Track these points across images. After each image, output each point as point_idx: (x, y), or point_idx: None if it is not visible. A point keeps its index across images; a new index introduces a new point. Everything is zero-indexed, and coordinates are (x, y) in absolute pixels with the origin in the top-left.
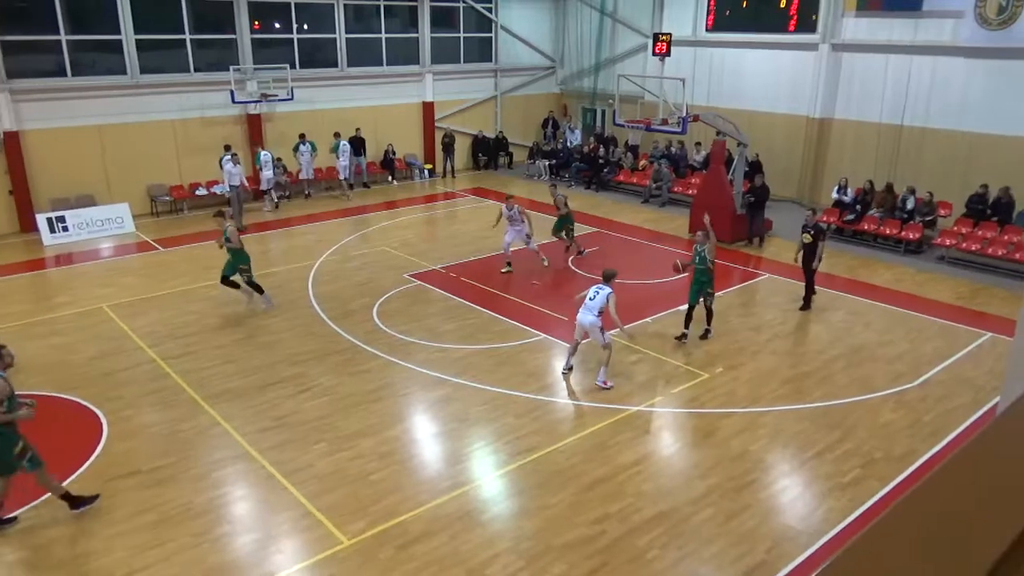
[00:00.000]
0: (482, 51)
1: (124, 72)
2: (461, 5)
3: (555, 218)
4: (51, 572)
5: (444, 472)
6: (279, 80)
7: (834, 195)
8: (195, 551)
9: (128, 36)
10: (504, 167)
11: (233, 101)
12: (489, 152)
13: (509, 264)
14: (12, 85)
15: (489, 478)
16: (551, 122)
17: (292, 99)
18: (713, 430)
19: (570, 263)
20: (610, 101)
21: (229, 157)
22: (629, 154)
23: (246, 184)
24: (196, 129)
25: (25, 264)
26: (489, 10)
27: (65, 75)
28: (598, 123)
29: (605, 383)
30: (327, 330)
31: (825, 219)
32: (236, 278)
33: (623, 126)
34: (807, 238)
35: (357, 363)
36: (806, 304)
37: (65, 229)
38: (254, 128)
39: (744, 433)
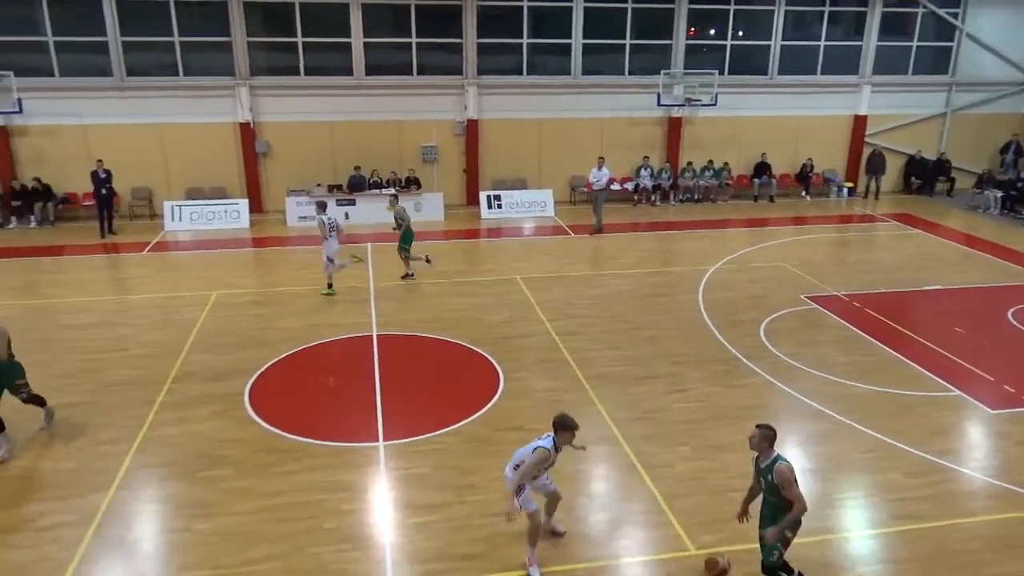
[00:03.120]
0: (936, 61)
1: (568, 73)
2: (920, 10)
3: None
4: (437, 491)
5: (811, 512)
6: (705, 85)
7: None
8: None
9: (576, 40)
10: (942, 194)
11: (658, 104)
12: (925, 175)
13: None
14: (480, 81)
15: (860, 534)
16: (1014, 147)
17: (715, 104)
18: None
19: (401, 279)
20: None
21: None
22: None
23: (607, 186)
24: (621, 128)
25: (465, 232)
26: (955, 16)
27: (521, 73)
28: None
29: (530, 563)
30: (710, 337)
31: None
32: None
33: None
34: None
35: (736, 376)
36: None
37: (499, 206)
38: (673, 131)
39: None
